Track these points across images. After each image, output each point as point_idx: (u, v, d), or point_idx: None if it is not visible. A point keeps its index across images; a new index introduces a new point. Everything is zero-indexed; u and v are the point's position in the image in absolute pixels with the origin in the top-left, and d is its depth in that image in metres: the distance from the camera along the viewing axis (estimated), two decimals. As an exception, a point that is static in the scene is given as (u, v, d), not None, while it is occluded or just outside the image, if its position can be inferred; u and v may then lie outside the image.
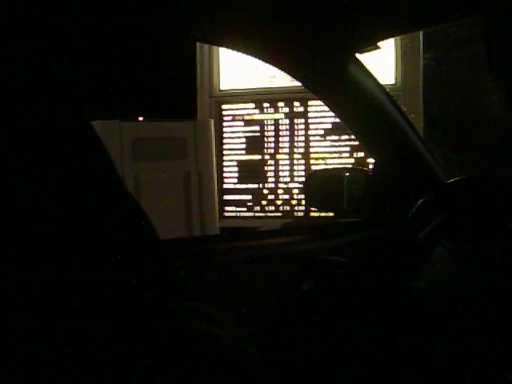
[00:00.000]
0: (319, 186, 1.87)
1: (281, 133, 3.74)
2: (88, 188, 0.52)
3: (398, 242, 1.51)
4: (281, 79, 3.62)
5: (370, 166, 3.19)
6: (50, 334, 0.46)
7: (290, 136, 3.73)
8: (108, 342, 0.48)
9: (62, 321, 0.47)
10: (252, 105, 3.79)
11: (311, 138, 3.70)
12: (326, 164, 3.67)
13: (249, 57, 1.55)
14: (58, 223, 0.48)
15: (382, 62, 3.36)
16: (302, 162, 3.72)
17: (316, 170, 3.18)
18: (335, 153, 3.65)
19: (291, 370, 1.48)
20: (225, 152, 3.83)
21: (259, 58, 1.55)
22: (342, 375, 1.49)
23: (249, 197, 3.81)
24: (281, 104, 3.73)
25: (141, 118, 3.49)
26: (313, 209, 3.61)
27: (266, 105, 3.76)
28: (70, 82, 0.55)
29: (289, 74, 1.64)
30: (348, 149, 3.62)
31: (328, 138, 3.66)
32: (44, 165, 0.49)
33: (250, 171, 3.80)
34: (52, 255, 0.48)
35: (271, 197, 3.77)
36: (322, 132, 3.67)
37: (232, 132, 3.84)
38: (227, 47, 1.66)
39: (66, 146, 0.51)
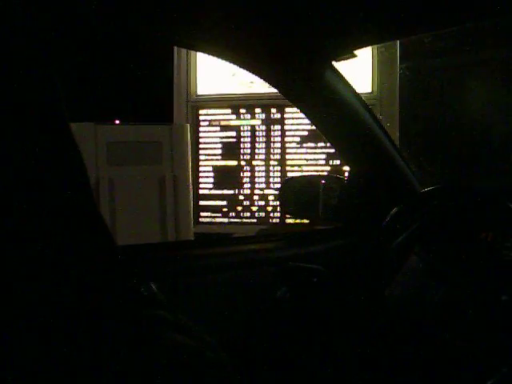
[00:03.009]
0: (295, 192, 1.87)
1: (257, 139, 3.74)
2: (54, 192, 0.51)
3: (372, 250, 1.52)
4: (258, 85, 3.62)
5: (346, 174, 3.21)
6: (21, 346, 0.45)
7: (266, 142, 3.73)
8: (78, 352, 0.47)
9: (35, 332, 0.46)
10: (229, 110, 3.78)
11: (287, 145, 3.70)
12: (301, 171, 3.68)
13: (226, 62, 1.55)
14: (20, 224, 0.47)
15: (358, 70, 3.38)
16: (278, 168, 3.72)
17: (292, 177, 3.19)
18: (311, 160, 3.67)
19: (265, 376, 1.47)
20: (201, 157, 3.82)
21: (236, 64, 1.55)
22: (315, 381, 1.49)
23: (224, 203, 3.80)
24: (258, 110, 3.73)
25: (117, 121, 3.47)
26: (288, 216, 3.62)
27: (242, 111, 3.75)
28: (54, 80, 0.54)
29: (265, 80, 1.64)
30: (324, 156, 3.63)
31: (304, 145, 3.67)
32: (14, 162, 0.48)
33: (226, 177, 3.80)
34: (18, 261, 0.47)
35: (247, 203, 3.77)
36: (298, 139, 3.68)
37: (208, 137, 3.83)
38: (205, 52, 1.65)
39: (39, 144, 0.51)
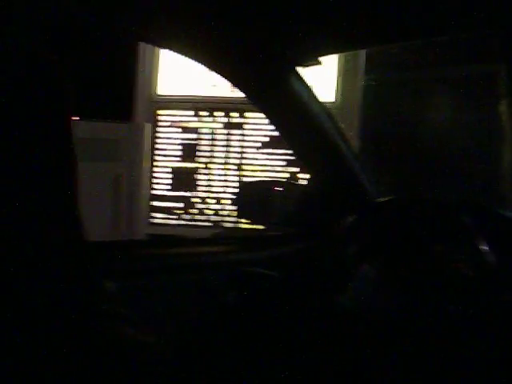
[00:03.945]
0: (251, 197, 1.87)
1: (216, 142, 3.73)
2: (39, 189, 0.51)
3: (326, 258, 1.52)
4: (221, 89, 3.61)
5: (304, 181, 3.23)
6: None
7: (225, 146, 3.72)
8: (33, 342, 0.47)
9: None
10: (189, 112, 3.76)
11: (246, 150, 3.70)
12: (260, 176, 3.68)
13: (190, 63, 1.54)
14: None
15: (323, 79, 3.40)
16: (236, 173, 3.72)
17: (249, 182, 3.18)
18: (270, 166, 3.67)
19: (213, 379, 1.46)
20: (158, 158, 3.79)
21: (201, 64, 1.54)
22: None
23: (179, 204, 3.77)
24: (219, 114, 3.72)
25: (76, 118, 3.41)
26: (243, 220, 3.61)
27: (203, 113, 3.74)
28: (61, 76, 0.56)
29: (229, 81, 1.63)
30: (283, 163, 3.65)
31: (263, 150, 3.67)
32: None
33: (183, 179, 3.77)
34: None
35: (202, 206, 3.75)
36: (257, 144, 3.68)
37: (167, 138, 3.80)
38: (172, 50, 1.63)
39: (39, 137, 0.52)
